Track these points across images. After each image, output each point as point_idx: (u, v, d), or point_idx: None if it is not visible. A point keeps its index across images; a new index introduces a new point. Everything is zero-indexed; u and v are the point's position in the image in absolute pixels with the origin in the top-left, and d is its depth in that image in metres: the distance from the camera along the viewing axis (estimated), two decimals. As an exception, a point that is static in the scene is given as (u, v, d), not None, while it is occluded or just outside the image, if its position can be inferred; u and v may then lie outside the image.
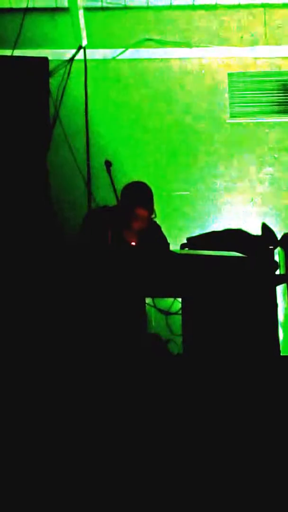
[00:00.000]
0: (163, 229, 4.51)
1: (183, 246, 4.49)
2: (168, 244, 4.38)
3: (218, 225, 5.63)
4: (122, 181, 4.37)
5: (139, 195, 4.27)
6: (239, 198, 5.81)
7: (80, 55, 5.74)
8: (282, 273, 4.91)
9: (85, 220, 4.54)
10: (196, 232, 5.28)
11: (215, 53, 5.88)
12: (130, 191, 4.29)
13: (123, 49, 5.82)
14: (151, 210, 4.30)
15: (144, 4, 5.79)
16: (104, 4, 5.77)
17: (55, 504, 2.89)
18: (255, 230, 5.38)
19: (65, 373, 3.48)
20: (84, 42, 5.68)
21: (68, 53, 5.75)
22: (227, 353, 3.52)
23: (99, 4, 5.76)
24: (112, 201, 4.32)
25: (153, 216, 4.34)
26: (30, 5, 5.55)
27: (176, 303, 4.14)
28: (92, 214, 4.86)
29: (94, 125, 5.75)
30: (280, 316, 5.01)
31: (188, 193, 5.78)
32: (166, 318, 4.31)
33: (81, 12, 5.45)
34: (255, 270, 3.77)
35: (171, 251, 3.86)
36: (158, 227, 4.48)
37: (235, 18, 5.86)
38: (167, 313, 4.28)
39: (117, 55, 5.85)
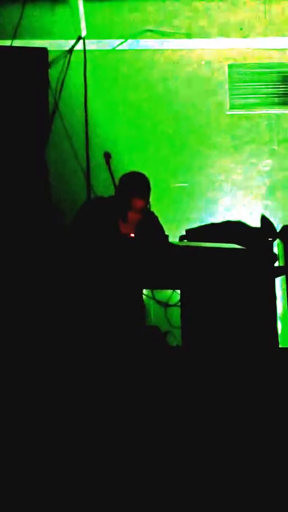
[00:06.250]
0: (161, 221, 4.51)
1: (182, 238, 4.48)
2: (166, 234, 4.36)
3: (217, 217, 5.62)
4: (121, 173, 4.36)
5: (136, 185, 4.27)
6: (238, 190, 5.80)
7: (79, 46, 5.70)
8: (281, 265, 4.92)
9: (80, 211, 4.52)
10: (195, 224, 5.27)
11: (215, 45, 5.85)
12: (128, 181, 4.29)
13: (123, 40, 5.79)
14: (147, 201, 4.29)
15: (144, -5, 5.77)
16: (104, -5, 5.75)
17: (54, 502, 2.90)
18: (254, 222, 5.37)
19: (63, 364, 3.48)
20: (84, 33, 5.66)
21: (67, 44, 5.73)
22: (226, 345, 3.53)
23: (98, -5, 5.74)
24: (112, 193, 4.32)
25: (148, 206, 4.34)
26: (30, -5, 5.54)
27: (175, 295, 4.14)
28: (87, 205, 4.84)
29: (93, 116, 5.73)
30: (279, 308, 5.01)
31: (186, 185, 5.77)
32: (165, 310, 4.31)
33: (80, 3, 5.43)
34: (254, 262, 3.77)
35: (170, 243, 3.86)
36: (155, 218, 4.47)
37: (235, 9, 5.83)
38: (166, 305, 4.28)
39: (117, 46, 5.82)
